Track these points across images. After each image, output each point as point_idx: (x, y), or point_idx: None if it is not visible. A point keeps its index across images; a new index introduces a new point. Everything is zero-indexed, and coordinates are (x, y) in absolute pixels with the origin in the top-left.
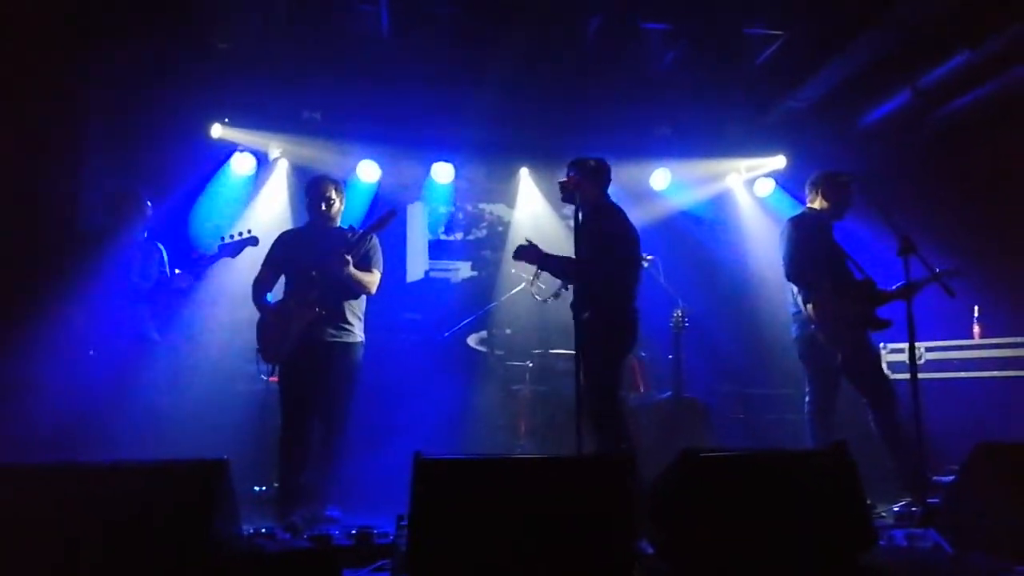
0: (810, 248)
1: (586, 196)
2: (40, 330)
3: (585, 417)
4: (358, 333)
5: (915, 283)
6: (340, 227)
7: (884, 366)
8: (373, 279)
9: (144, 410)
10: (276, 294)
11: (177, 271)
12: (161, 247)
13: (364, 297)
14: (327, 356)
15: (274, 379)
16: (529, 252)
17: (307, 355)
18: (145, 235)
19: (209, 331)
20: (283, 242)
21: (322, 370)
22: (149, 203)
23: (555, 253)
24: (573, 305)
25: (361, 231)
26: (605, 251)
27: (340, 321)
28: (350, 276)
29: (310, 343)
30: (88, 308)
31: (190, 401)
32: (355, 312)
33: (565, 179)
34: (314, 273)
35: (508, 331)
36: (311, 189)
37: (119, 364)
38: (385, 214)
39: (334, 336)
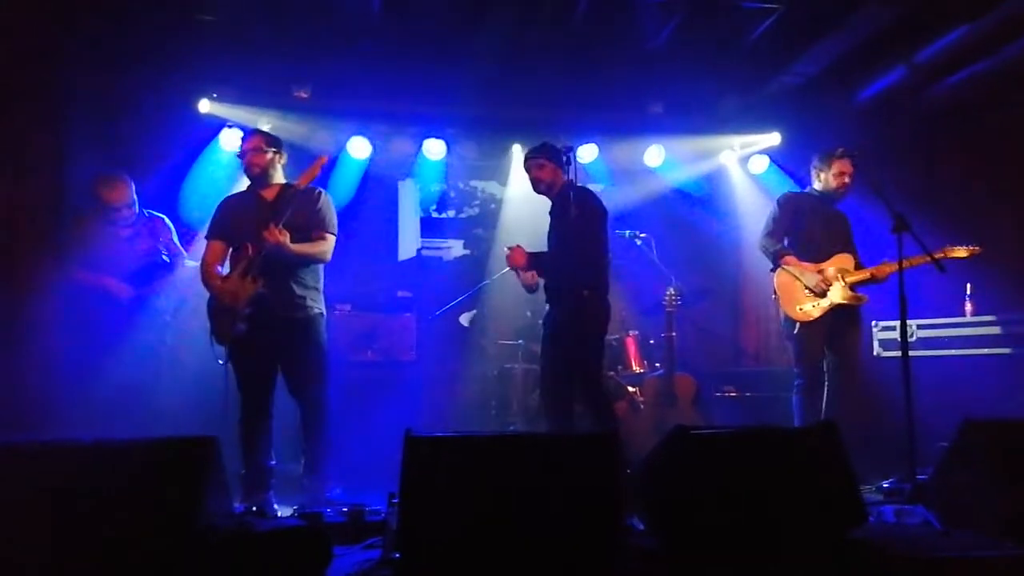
0: (779, 224)
1: (558, 183)
2: (30, 320)
3: (580, 401)
4: (314, 306)
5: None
6: (281, 185)
7: (875, 344)
8: (325, 245)
9: (134, 388)
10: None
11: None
12: (167, 221)
13: (320, 265)
14: (286, 336)
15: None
16: (516, 257)
17: (259, 333)
18: (142, 212)
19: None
20: (226, 208)
21: (284, 351)
22: (130, 181)
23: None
24: (547, 288)
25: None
26: (584, 247)
27: (289, 296)
28: (288, 250)
29: (262, 322)
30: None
31: (185, 378)
32: (306, 283)
33: (539, 171)
34: (249, 244)
35: (500, 309)
36: (241, 145)
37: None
38: (314, 163)
39: (286, 313)
